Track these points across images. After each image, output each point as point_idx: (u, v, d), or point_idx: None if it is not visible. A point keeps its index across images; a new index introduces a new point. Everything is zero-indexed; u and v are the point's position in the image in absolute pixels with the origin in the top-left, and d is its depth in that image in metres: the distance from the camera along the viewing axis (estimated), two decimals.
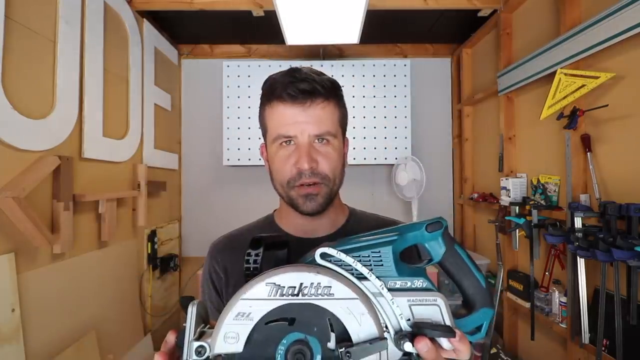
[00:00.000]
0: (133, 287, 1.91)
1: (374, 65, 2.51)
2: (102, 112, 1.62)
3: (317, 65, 2.50)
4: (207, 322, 0.39)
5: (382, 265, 0.40)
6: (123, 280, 1.80)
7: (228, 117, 2.47)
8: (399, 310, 0.38)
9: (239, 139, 2.47)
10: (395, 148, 2.49)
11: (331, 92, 0.62)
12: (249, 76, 2.49)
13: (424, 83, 2.66)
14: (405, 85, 2.51)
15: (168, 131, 2.41)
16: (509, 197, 1.82)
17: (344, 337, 0.36)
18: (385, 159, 2.46)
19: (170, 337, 0.39)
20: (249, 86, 2.49)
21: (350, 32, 1.87)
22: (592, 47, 1.33)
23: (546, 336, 1.67)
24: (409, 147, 2.49)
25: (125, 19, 1.86)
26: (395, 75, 2.51)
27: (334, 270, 0.38)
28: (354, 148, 2.45)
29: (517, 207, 1.74)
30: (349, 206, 0.76)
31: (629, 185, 1.24)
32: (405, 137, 2.51)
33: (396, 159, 2.46)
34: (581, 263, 1.34)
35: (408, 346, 0.36)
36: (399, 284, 0.40)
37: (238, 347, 0.34)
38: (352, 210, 0.75)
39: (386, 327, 0.37)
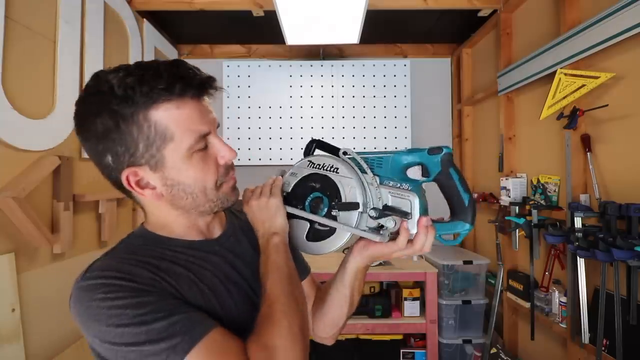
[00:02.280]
0: None
1: (374, 65, 2.51)
2: None
3: (317, 65, 2.50)
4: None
5: (381, 167, 0.59)
6: None
7: (228, 117, 2.47)
8: (379, 195, 0.57)
9: (239, 139, 2.47)
10: (395, 148, 2.48)
11: (213, 83, 0.56)
12: (249, 76, 2.50)
13: (424, 83, 2.66)
14: (405, 85, 2.51)
15: None
16: (509, 197, 1.82)
17: (338, 198, 0.60)
18: None
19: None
20: (249, 86, 2.49)
21: (350, 32, 1.87)
22: (592, 47, 1.33)
23: (546, 336, 1.67)
24: (409, 147, 2.50)
25: (125, 19, 1.86)
26: (395, 75, 2.51)
27: (345, 161, 0.60)
28: (354, 148, 2.45)
29: (517, 207, 1.74)
30: None
31: (629, 185, 1.24)
32: (405, 137, 2.51)
33: None
34: (581, 263, 1.34)
35: (373, 213, 0.56)
36: (391, 183, 0.57)
37: (289, 189, 0.66)
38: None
39: (367, 203, 0.58)
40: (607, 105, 1.30)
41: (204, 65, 2.61)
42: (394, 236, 0.56)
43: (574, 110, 1.41)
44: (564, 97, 1.44)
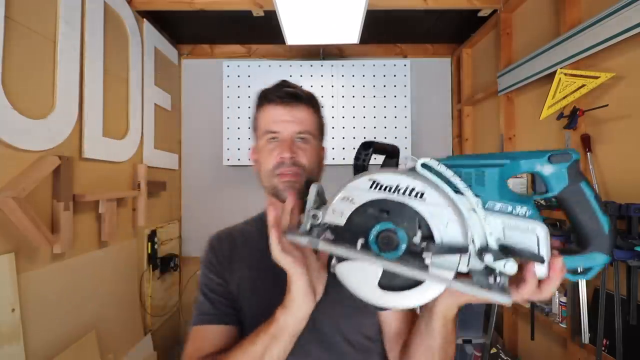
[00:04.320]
0: (133, 287, 1.91)
1: (374, 65, 2.51)
2: (102, 112, 1.62)
3: (317, 65, 2.50)
4: (324, 202, 0.49)
5: (483, 185, 0.41)
6: (123, 280, 1.81)
7: (228, 117, 2.47)
8: (490, 228, 0.39)
9: (239, 139, 2.47)
10: (405, 148, 2.48)
11: (311, 101, 0.74)
12: (249, 76, 2.49)
13: (424, 83, 2.66)
14: (405, 85, 2.51)
15: (168, 131, 2.41)
16: None
17: (429, 237, 0.40)
18: None
19: (291, 201, 0.54)
20: (249, 86, 2.49)
21: (350, 32, 1.87)
22: (592, 47, 1.33)
23: (546, 336, 1.67)
24: (409, 147, 2.49)
25: (125, 19, 1.86)
26: (395, 75, 2.51)
27: (427, 179, 0.42)
28: (353, 148, 2.45)
29: None
30: None
31: (629, 185, 1.24)
32: (405, 137, 2.51)
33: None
34: None
35: (489, 259, 0.38)
36: (498, 206, 0.40)
37: (341, 220, 0.44)
38: None
39: (473, 240, 0.39)
40: (607, 105, 1.30)
41: (204, 65, 2.62)
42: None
43: (574, 110, 1.40)
44: (564, 97, 1.44)
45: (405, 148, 2.49)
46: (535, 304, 1.65)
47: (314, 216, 0.45)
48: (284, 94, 0.70)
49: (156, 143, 2.17)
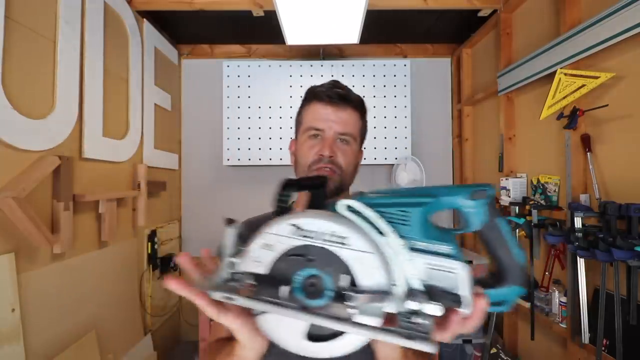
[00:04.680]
0: (133, 287, 1.91)
1: (374, 65, 2.51)
2: (102, 112, 1.62)
3: (317, 65, 2.50)
4: (247, 241, 0.42)
5: (408, 225, 0.40)
6: (123, 280, 1.81)
7: (228, 117, 2.47)
8: (414, 270, 0.39)
9: (239, 139, 2.47)
10: (395, 148, 2.49)
11: (358, 105, 0.75)
12: (249, 76, 2.49)
13: (424, 83, 2.66)
14: (405, 85, 2.51)
15: (168, 131, 2.41)
16: (509, 197, 1.82)
17: (353, 284, 0.38)
18: (385, 159, 2.46)
19: (204, 252, 0.47)
20: (249, 86, 2.49)
21: (350, 32, 1.87)
22: (592, 47, 1.33)
23: (546, 336, 1.67)
24: (409, 147, 2.50)
25: (125, 19, 1.86)
26: (395, 75, 2.51)
27: (354, 224, 0.39)
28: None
29: (517, 207, 1.74)
30: None
31: (629, 185, 1.24)
32: (405, 137, 2.51)
33: (396, 159, 2.46)
34: (581, 263, 1.34)
35: (412, 304, 0.37)
36: (422, 245, 0.40)
37: (261, 270, 0.40)
38: None
39: (397, 284, 0.38)
40: (607, 105, 1.30)
41: (204, 65, 2.62)
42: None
43: (574, 110, 1.41)
44: (564, 97, 1.44)
45: (405, 148, 2.49)
46: (535, 304, 1.65)
47: (231, 265, 0.41)
48: (334, 94, 0.71)
49: (156, 143, 2.17)
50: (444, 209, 0.42)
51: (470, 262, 0.36)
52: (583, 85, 1.36)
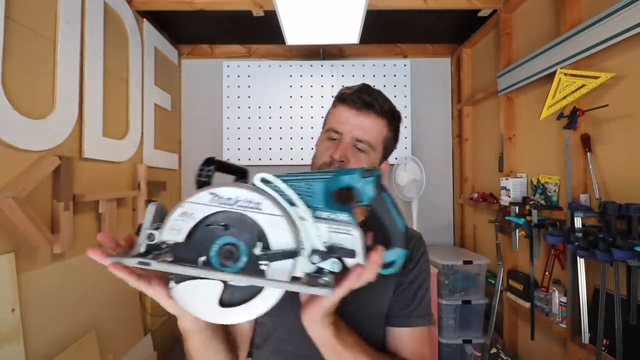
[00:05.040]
0: (133, 287, 1.90)
1: (374, 65, 2.51)
2: (102, 112, 1.62)
3: (317, 65, 2.50)
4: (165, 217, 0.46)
5: (312, 196, 0.47)
6: (123, 280, 1.80)
7: (228, 117, 2.47)
8: (318, 233, 0.45)
9: (239, 139, 2.47)
10: (395, 148, 2.48)
11: (386, 113, 0.72)
12: (249, 76, 2.49)
13: (424, 83, 2.66)
14: (405, 85, 2.51)
15: (168, 131, 2.41)
16: (509, 197, 1.82)
17: (267, 247, 0.44)
18: None
19: (126, 234, 0.48)
20: (249, 86, 2.49)
21: (350, 32, 1.87)
22: (592, 47, 1.33)
23: (546, 336, 1.67)
24: (409, 147, 2.50)
25: (125, 19, 1.86)
26: (395, 75, 2.51)
27: (265, 192, 0.45)
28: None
29: (517, 207, 1.74)
30: None
31: (629, 185, 1.24)
32: (405, 137, 2.51)
33: (396, 159, 2.46)
34: (581, 263, 1.34)
35: (316, 259, 0.44)
36: (325, 214, 0.46)
37: (179, 238, 0.43)
38: None
39: (304, 245, 0.44)
40: (607, 105, 1.30)
41: (204, 65, 2.62)
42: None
43: (574, 110, 1.41)
44: (564, 97, 1.44)
45: (405, 148, 2.49)
46: (535, 304, 1.65)
47: (150, 236, 0.44)
48: (358, 99, 0.70)
49: (156, 143, 2.17)
50: (343, 185, 0.50)
51: (364, 228, 0.45)
52: (583, 85, 1.36)
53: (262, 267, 0.43)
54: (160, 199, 2.27)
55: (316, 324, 0.52)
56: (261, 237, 0.44)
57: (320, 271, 0.44)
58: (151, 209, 0.46)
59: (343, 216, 0.46)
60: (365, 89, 0.72)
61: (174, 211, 0.44)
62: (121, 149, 1.78)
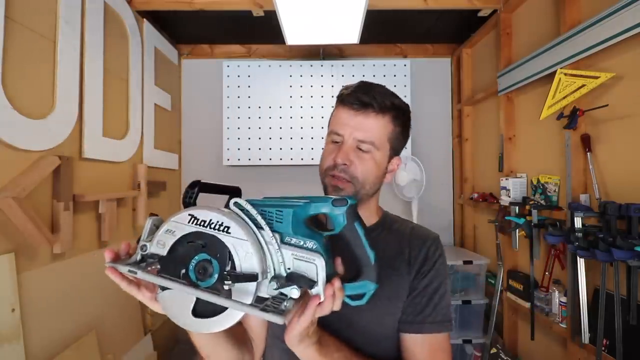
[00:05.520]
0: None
1: (374, 65, 2.51)
2: (102, 112, 1.62)
3: (317, 65, 2.50)
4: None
5: (281, 222, 0.49)
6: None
7: (228, 117, 2.47)
8: (281, 259, 0.48)
9: (239, 139, 2.47)
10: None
11: (388, 109, 0.70)
12: (249, 76, 2.49)
13: (424, 83, 2.66)
14: (405, 85, 2.51)
15: (168, 131, 2.41)
16: (509, 197, 1.82)
17: (234, 268, 0.47)
18: None
19: (132, 242, 0.53)
20: (249, 86, 2.49)
21: (350, 32, 1.87)
22: (592, 47, 1.33)
23: (546, 336, 1.67)
24: (409, 147, 2.50)
25: (125, 19, 1.86)
26: (395, 75, 2.51)
27: (238, 216, 0.49)
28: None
29: (517, 207, 1.74)
30: (384, 211, 0.82)
31: (629, 185, 1.24)
32: None
33: None
34: (581, 263, 1.34)
35: (274, 285, 0.46)
36: (293, 240, 0.49)
37: (163, 251, 0.49)
38: (385, 215, 0.80)
39: (267, 269, 0.47)
40: (607, 105, 1.30)
41: (204, 65, 2.62)
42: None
43: (574, 110, 1.40)
44: (564, 97, 1.44)
45: (405, 148, 2.48)
46: (535, 304, 1.65)
47: (143, 247, 0.49)
48: (354, 99, 0.69)
49: (156, 143, 2.17)
50: (314, 213, 0.51)
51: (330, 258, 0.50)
52: (583, 85, 1.36)
53: (226, 287, 0.46)
54: (160, 199, 2.27)
55: (297, 346, 0.53)
56: (231, 257, 0.47)
57: (283, 295, 0.47)
58: (149, 222, 0.51)
59: (310, 243, 0.48)
60: (363, 87, 0.70)
61: (161, 227, 0.49)
62: (121, 149, 1.78)
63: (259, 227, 0.48)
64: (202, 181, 0.58)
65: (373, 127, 0.69)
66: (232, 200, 0.50)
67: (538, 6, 1.77)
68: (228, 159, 2.45)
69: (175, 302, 0.49)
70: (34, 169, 1.21)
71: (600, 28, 1.29)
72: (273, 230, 0.48)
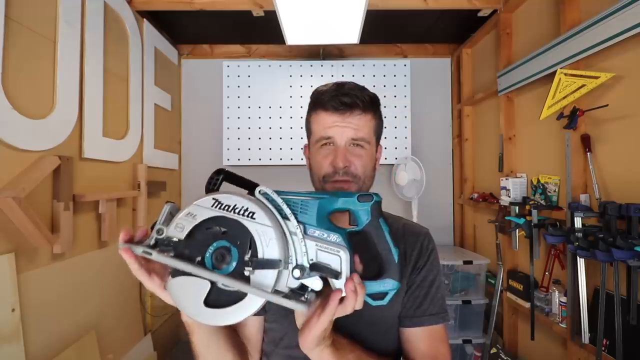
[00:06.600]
0: (133, 287, 1.91)
1: (374, 65, 2.51)
2: (102, 112, 1.62)
3: (317, 65, 2.50)
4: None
5: (306, 214, 0.49)
6: (123, 280, 1.80)
7: (228, 117, 2.47)
8: (305, 249, 0.47)
9: (239, 139, 2.47)
10: (395, 148, 2.49)
11: (368, 106, 0.71)
12: (249, 76, 2.49)
13: (424, 83, 2.66)
14: (405, 85, 2.51)
15: (168, 131, 2.41)
16: (509, 197, 1.82)
17: (255, 255, 0.46)
18: (385, 159, 2.46)
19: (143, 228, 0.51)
20: (249, 86, 2.49)
21: (350, 32, 1.87)
22: (592, 47, 1.33)
23: (546, 336, 1.67)
24: (409, 147, 2.50)
25: (125, 19, 1.86)
26: (395, 75, 2.51)
27: (262, 203, 0.48)
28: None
29: (517, 207, 1.74)
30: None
31: (629, 185, 1.24)
32: (405, 137, 2.51)
33: (396, 159, 2.46)
34: (581, 263, 1.34)
35: (297, 273, 0.45)
36: (317, 232, 0.48)
37: (182, 235, 0.47)
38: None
39: (290, 258, 0.47)
40: (607, 105, 1.30)
41: (204, 65, 2.62)
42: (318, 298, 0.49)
43: (574, 110, 1.41)
44: (564, 97, 1.44)
45: (406, 148, 2.49)
46: (535, 304, 1.65)
47: (159, 230, 0.47)
48: (338, 103, 0.68)
49: (156, 143, 2.17)
50: (339, 207, 0.51)
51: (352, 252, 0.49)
52: (583, 85, 1.36)
53: (247, 273, 0.44)
54: (160, 199, 2.27)
55: (313, 350, 0.52)
56: (252, 244, 0.46)
57: (304, 289, 0.46)
58: (166, 207, 0.49)
59: (334, 237, 0.48)
60: (340, 89, 0.70)
61: (182, 211, 0.48)
62: (121, 149, 1.78)
63: (284, 217, 0.48)
64: (227, 170, 0.57)
65: (362, 124, 0.70)
66: (258, 189, 0.49)
67: (538, 6, 1.77)
68: (228, 159, 2.45)
69: (186, 290, 0.46)
70: (34, 169, 1.21)
71: (600, 28, 1.29)
72: (298, 221, 0.48)
